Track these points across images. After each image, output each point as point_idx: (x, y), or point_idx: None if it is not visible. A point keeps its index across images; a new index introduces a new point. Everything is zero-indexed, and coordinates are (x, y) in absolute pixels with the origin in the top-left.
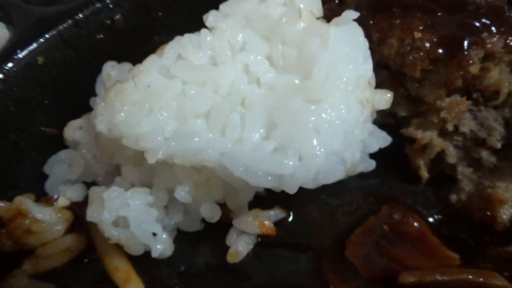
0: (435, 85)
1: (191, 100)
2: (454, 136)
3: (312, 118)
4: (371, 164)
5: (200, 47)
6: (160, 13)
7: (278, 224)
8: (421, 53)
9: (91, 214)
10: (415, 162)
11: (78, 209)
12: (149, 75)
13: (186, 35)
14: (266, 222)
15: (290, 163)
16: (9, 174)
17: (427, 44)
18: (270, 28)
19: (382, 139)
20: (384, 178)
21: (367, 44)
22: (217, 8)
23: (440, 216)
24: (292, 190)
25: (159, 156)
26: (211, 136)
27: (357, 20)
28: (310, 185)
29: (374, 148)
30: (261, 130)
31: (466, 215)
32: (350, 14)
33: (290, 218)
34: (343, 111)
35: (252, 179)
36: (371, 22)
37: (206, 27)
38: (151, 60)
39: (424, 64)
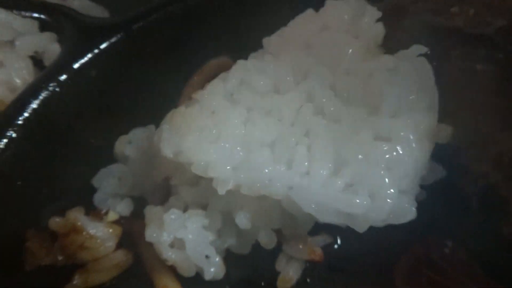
0: (494, 117)
1: (257, 129)
2: (509, 169)
3: (386, 156)
4: (422, 194)
5: (264, 73)
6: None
7: (325, 248)
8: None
9: (150, 235)
10: (466, 191)
11: (125, 223)
12: (214, 100)
13: (250, 61)
14: (316, 248)
15: (363, 202)
16: (58, 185)
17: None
18: (334, 57)
19: (437, 172)
20: (432, 206)
21: (434, 80)
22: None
23: (488, 247)
24: (362, 229)
25: (229, 187)
26: (278, 167)
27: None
28: (379, 225)
29: (429, 180)
30: (329, 165)
31: None
32: (418, 48)
33: (337, 244)
34: (414, 151)
35: (322, 216)
36: (428, 52)
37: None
38: (215, 85)
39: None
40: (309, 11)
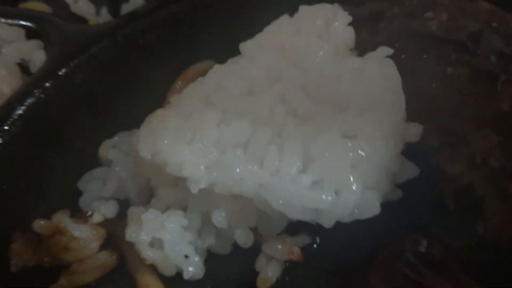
0: (467, 117)
1: (230, 130)
2: (483, 169)
3: (350, 154)
4: (398, 194)
5: (239, 76)
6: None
7: (304, 248)
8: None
9: (130, 234)
10: (443, 192)
11: (110, 225)
12: (191, 103)
13: (225, 65)
14: (295, 249)
15: (328, 198)
16: (44, 188)
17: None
18: (306, 61)
19: (410, 170)
20: (408, 204)
21: (400, 79)
22: None
23: (464, 245)
24: (328, 224)
25: (202, 186)
26: (249, 166)
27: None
28: (346, 220)
29: (402, 179)
30: (298, 163)
31: (493, 244)
32: (384, 50)
33: (316, 243)
34: (379, 148)
35: (290, 212)
36: (403, 55)
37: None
38: (192, 88)
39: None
40: (284, 17)
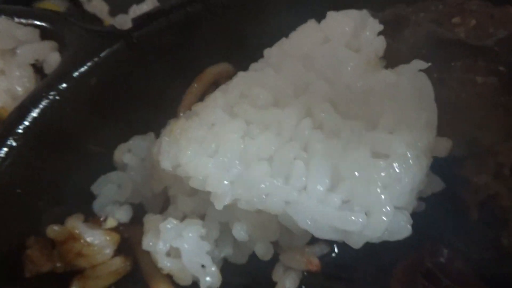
0: (494, 128)
1: (255, 143)
2: (509, 180)
3: (381, 175)
4: (421, 206)
5: (264, 86)
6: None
7: (322, 258)
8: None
9: (147, 243)
10: (466, 202)
11: (124, 230)
12: (214, 113)
13: (250, 73)
14: (313, 259)
15: (359, 219)
16: (58, 192)
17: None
18: (334, 71)
19: (435, 184)
20: (430, 215)
21: (433, 94)
22: None
23: (487, 258)
24: (357, 245)
25: (226, 202)
26: (275, 182)
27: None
28: (375, 241)
29: (427, 193)
30: (326, 181)
31: None
32: (418, 64)
33: (334, 253)
34: (412, 168)
35: (318, 232)
36: (429, 63)
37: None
38: (215, 97)
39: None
40: (311, 22)
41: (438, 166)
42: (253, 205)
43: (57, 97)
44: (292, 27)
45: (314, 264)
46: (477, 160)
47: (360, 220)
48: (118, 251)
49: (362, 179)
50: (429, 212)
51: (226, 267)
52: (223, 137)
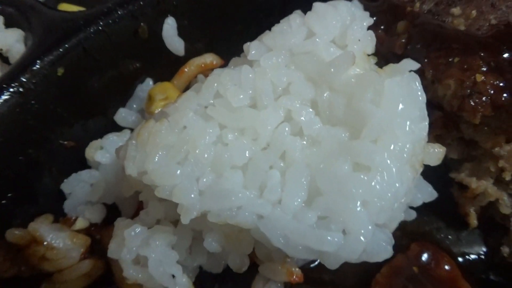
0: (495, 130)
1: (229, 150)
2: (511, 186)
3: (360, 191)
4: (411, 215)
5: (241, 85)
6: (186, 21)
7: (304, 266)
8: (484, 98)
9: (112, 251)
10: (464, 208)
11: (96, 231)
12: (185, 115)
13: (226, 71)
14: (294, 269)
15: (335, 239)
16: (28, 190)
17: (491, 89)
18: (318, 70)
19: (428, 194)
20: (422, 215)
21: (425, 98)
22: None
23: (484, 265)
24: (333, 266)
25: (193, 215)
26: (248, 193)
27: (409, 55)
28: (353, 261)
29: (418, 202)
30: (303, 193)
31: None
32: (409, 64)
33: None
34: (396, 184)
35: (291, 251)
36: (425, 59)
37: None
38: (188, 97)
39: (486, 110)
40: (296, 14)
41: (432, 169)
42: (223, 218)
43: (20, 89)
44: None
45: (296, 275)
46: (475, 164)
47: (336, 239)
48: (90, 253)
49: (341, 194)
50: (426, 218)
51: (203, 277)
52: (194, 143)
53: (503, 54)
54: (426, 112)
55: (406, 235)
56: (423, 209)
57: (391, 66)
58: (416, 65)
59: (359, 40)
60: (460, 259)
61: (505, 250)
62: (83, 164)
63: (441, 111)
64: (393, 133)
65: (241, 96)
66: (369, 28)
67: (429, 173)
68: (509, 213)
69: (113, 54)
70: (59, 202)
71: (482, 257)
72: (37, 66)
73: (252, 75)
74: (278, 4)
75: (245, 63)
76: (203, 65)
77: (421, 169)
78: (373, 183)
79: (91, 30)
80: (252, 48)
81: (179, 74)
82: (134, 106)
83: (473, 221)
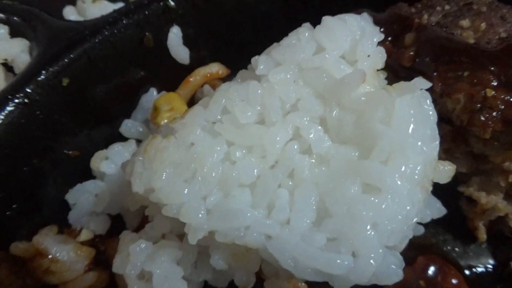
0: (505, 145)
1: (236, 168)
2: None
3: (371, 213)
4: (419, 230)
5: (249, 101)
6: (191, 30)
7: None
8: (494, 114)
9: (117, 266)
10: (473, 223)
11: (101, 242)
12: (193, 132)
13: (234, 86)
14: (301, 284)
15: (345, 263)
16: (32, 200)
17: (501, 104)
18: (327, 87)
19: (436, 210)
20: (430, 228)
21: (436, 117)
22: None
23: (491, 279)
24: None
25: (201, 236)
26: (256, 213)
27: (417, 68)
28: (362, 284)
29: (427, 218)
30: (311, 214)
31: None
32: (420, 82)
33: None
34: (407, 206)
35: (300, 274)
36: (434, 72)
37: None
38: (195, 113)
39: (496, 125)
40: (305, 28)
41: (445, 184)
42: (231, 238)
43: (25, 100)
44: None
45: None
46: (485, 178)
47: (345, 263)
48: (95, 264)
49: (350, 216)
50: (435, 231)
51: None
52: (202, 161)
53: None
54: (437, 131)
55: (412, 248)
56: (431, 222)
57: (401, 84)
58: (427, 84)
59: (368, 56)
60: (467, 272)
61: None
62: (88, 174)
63: (450, 124)
64: (404, 154)
65: (249, 113)
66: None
67: (437, 186)
68: None
69: (118, 64)
70: (64, 212)
71: (490, 270)
72: (42, 76)
73: (261, 91)
74: (281, 12)
75: (253, 77)
76: (208, 75)
77: (431, 188)
78: (383, 206)
79: (96, 40)
80: (261, 63)
81: (184, 83)
82: (139, 116)
83: (482, 235)
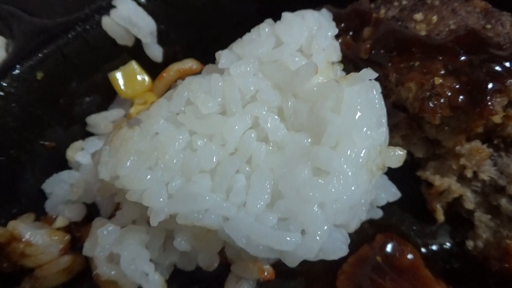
0: (455, 130)
1: (197, 156)
2: (473, 182)
3: (317, 194)
4: (378, 213)
5: (210, 93)
6: (162, 26)
7: (275, 263)
8: (442, 100)
9: (87, 248)
10: (431, 205)
11: (76, 229)
12: (157, 122)
13: (196, 79)
14: (266, 266)
15: (293, 239)
16: (10, 190)
17: (448, 91)
18: (284, 78)
19: (392, 194)
20: (392, 210)
21: (384, 105)
22: None
23: (434, 248)
24: (293, 264)
25: (161, 218)
26: (215, 197)
27: (374, 60)
28: (310, 259)
29: (383, 201)
30: (266, 196)
31: (482, 262)
32: (368, 74)
33: None
34: (352, 187)
35: (253, 251)
36: (389, 63)
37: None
38: (159, 104)
39: (444, 111)
40: (266, 22)
41: (404, 168)
42: (191, 220)
43: (1, 93)
44: None
45: (268, 272)
46: (439, 162)
47: (294, 240)
48: (71, 249)
49: (300, 197)
50: (392, 211)
51: (178, 275)
52: (164, 149)
53: (460, 57)
54: (384, 119)
55: (373, 227)
56: (393, 205)
57: (351, 75)
58: (374, 74)
59: (323, 49)
60: (423, 249)
61: (470, 243)
62: (64, 165)
63: (405, 112)
64: (350, 139)
65: (210, 104)
66: (339, 34)
67: (400, 172)
68: (473, 208)
69: (91, 59)
70: (41, 201)
71: (446, 248)
72: (17, 71)
73: (222, 83)
74: (253, 9)
75: (217, 71)
76: (182, 70)
77: (380, 172)
78: (329, 187)
79: (70, 36)
80: (223, 57)
81: (158, 79)
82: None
83: (440, 216)
